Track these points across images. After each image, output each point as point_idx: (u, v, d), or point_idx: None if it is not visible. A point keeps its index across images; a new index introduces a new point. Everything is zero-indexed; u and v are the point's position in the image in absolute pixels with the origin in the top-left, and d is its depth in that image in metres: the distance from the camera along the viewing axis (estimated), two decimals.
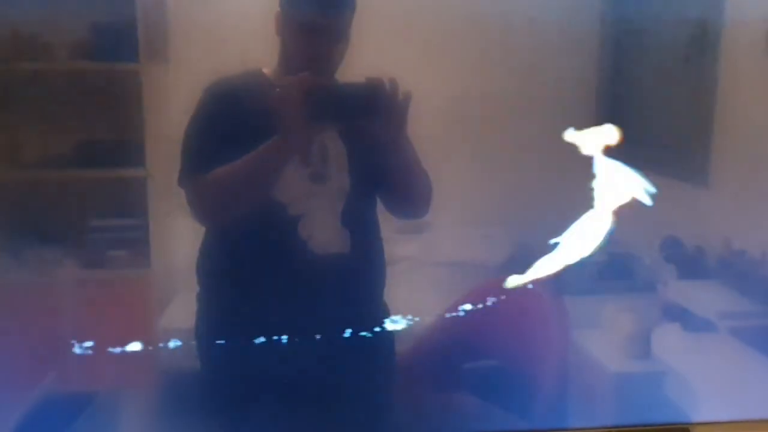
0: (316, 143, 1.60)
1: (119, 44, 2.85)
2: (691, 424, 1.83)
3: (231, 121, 1.56)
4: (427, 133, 3.29)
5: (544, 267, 1.66)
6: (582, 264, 2.97)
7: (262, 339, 1.62)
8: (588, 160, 3.47)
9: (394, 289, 1.80)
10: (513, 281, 1.73)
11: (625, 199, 1.72)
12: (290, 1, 1.60)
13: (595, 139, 1.58)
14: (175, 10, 3.18)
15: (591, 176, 3.40)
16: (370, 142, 1.67)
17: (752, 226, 2.35)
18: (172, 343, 2.68)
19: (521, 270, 3.03)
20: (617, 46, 3.40)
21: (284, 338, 1.62)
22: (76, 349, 2.82)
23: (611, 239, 3.08)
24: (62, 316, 2.87)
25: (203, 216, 1.62)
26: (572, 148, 3.51)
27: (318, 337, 1.64)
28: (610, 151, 3.36)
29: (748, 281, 2.24)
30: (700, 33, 2.66)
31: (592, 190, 3.36)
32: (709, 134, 2.61)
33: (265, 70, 1.68)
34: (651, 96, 3.18)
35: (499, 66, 3.45)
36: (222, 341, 1.67)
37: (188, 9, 3.20)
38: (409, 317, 1.98)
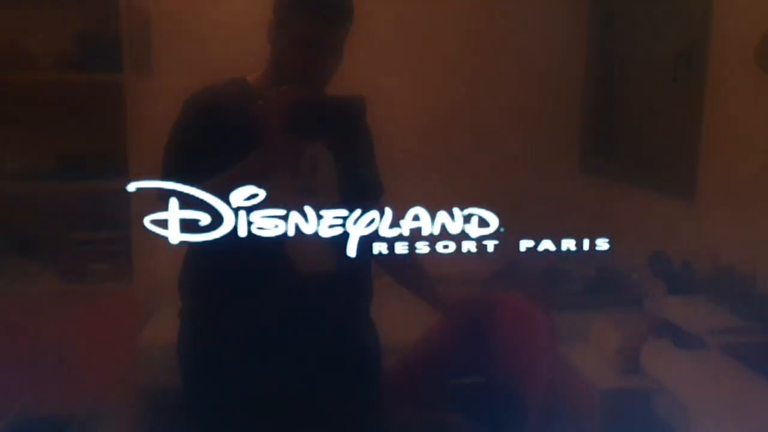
0: (305, 157, 1.56)
1: (102, 54, 2.82)
2: None
3: (213, 133, 1.52)
4: (413, 149, 3.30)
5: None
6: (568, 279, 2.97)
7: (246, 357, 1.58)
8: (577, 179, 3.48)
9: (380, 304, 1.77)
10: None
11: None
12: (285, 10, 1.57)
13: None
14: (158, 20, 3.16)
15: (579, 192, 3.41)
16: (355, 157, 1.66)
17: (739, 241, 2.34)
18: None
19: (509, 284, 3.02)
20: (605, 61, 3.41)
21: (269, 356, 1.58)
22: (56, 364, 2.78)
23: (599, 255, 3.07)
24: (42, 330, 2.82)
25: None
26: (560, 164, 3.51)
27: (304, 355, 1.60)
28: (598, 167, 3.37)
29: (737, 297, 2.23)
30: (688, 49, 2.66)
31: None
32: (696, 150, 2.60)
33: (250, 79, 1.65)
34: (638, 112, 3.19)
35: (489, 82, 3.45)
36: (206, 359, 1.63)
37: (172, 18, 3.18)
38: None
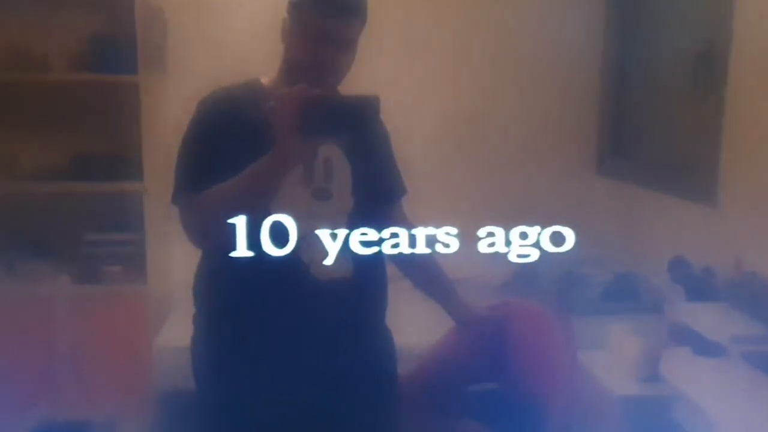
0: (318, 158, 1.54)
1: (117, 56, 2.82)
2: None
3: (227, 134, 1.51)
4: (430, 150, 3.28)
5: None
6: (586, 284, 2.94)
7: (260, 363, 1.56)
8: (595, 182, 3.45)
9: (395, 310, 1.75)
10: None
11: None
12: (299, 7, 1.55)
13: None
14: (173, 21, 3.16)
15: (597, 196, 3.38)
16: (369, 157, 1.64)
17: (762, 246, 2.31)
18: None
19: (527, 289, 3.00)
20: (624, 63, 3.38)
21: (284, 362, 1.56)
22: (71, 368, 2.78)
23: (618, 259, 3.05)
24: (56, 332, 2.82)
25: (198, 237, 1.55)
26: (577, 168, 3.48)
27: (319, 361, 1.58)
28: (616, 170, 3.33)
29: (759, 303, 2.19)
30: (708, 51, 2.63)
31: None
32: (717, 154, 2.57)
33: (264, 80, 1.64)
34: (658, 114, 3.15)
35: (504, 86, 3.43)
36: (220, 364, 1.61)
37: (187, 20, 3.18)
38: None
